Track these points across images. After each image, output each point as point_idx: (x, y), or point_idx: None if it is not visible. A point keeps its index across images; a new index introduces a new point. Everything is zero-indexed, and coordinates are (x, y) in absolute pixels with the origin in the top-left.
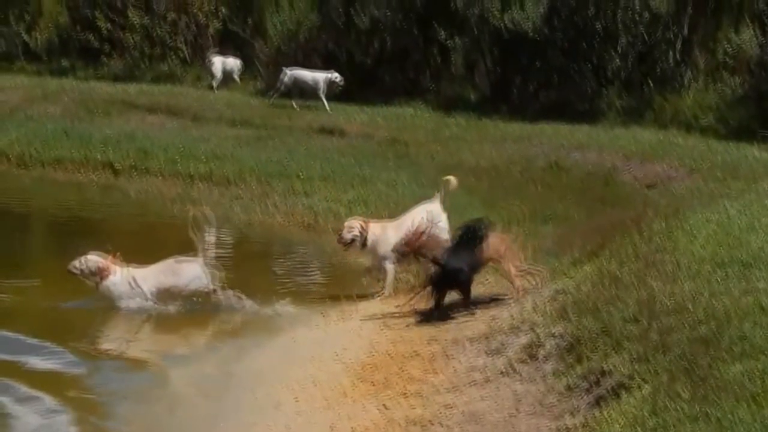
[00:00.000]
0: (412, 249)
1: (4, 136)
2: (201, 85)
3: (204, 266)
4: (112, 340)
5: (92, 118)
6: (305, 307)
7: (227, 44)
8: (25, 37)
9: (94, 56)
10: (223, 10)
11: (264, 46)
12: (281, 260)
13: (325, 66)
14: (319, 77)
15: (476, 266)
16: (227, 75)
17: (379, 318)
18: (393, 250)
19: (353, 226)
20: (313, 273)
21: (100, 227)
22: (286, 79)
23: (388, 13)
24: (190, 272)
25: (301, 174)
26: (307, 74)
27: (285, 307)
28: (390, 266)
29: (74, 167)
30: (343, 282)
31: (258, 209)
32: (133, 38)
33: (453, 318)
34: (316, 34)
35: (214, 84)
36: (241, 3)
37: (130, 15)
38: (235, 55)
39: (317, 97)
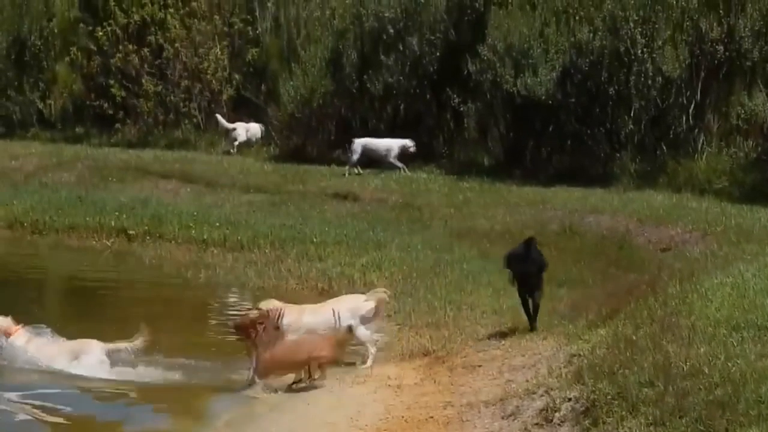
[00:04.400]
0: (239, 332)
1: (20, 203)
2: (214, 151)
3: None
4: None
5: (106, 184)
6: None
7: (241, 110)
8: (40, 104)
9: (108, 123)
10: (237, 77)
11: (277, 112)
12: None
13: (340, 132)
14: (393, 144)
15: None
16: (249, 140)
17: (393, 382)
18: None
19: (262, 308)
20: None
21: (113, 293)
22: (357, 149)
23: (402, 79)
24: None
25: (314, 239)
26: (379, 143)
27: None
28: None
29: (88, 233)
30: (358, 346)
31: (272, 274)
32: (147, 105)
33: (468, 382)
34: (329, 100)
35: (234, 150)
36: (255, 69)
37: (144, 82)
38: (252, 121)
39: (389, 165)
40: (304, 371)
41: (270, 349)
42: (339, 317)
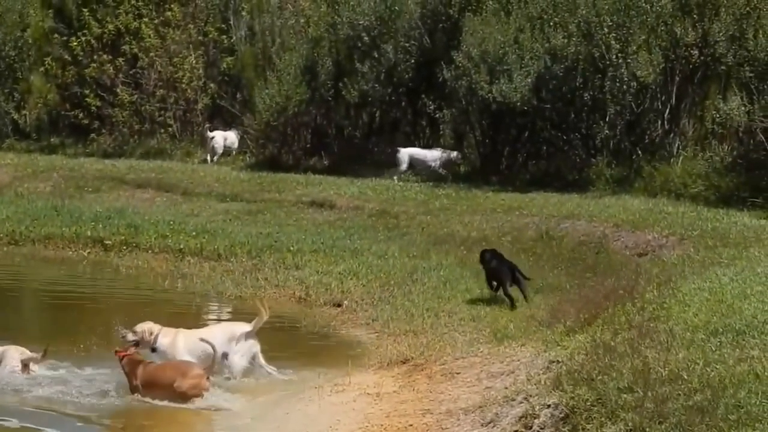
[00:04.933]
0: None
1: None
2: (190, 160)
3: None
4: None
5: (82, 194)
6: (299, 380)
7: (216, 119)
8: (15, 115)
9: (84, 133)
10: (212, 86)
11: (253, 120)
12: (272, 333)
13: (316, 139)
14: (437, 155)
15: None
16: (227, 149)
17: (372, 390)
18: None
19: (137, 330)
20: (305, 345)
21: (90, 303)
22: (405, 159)
23: (377, 86)
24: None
25: (291, 247)
26: (426, 153)
27: (276, 381)
28: None
29: (64, 244)
30: (336, 354)
31: (249, 283)
32: (122, 115)
33: (447, 390)
34: (305, 108)
35: (215, 159)
36: (230, 78)
37: (119, 92)
38: (230, 129)
39: (434, 175)
40: None
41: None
42: (215, 343)
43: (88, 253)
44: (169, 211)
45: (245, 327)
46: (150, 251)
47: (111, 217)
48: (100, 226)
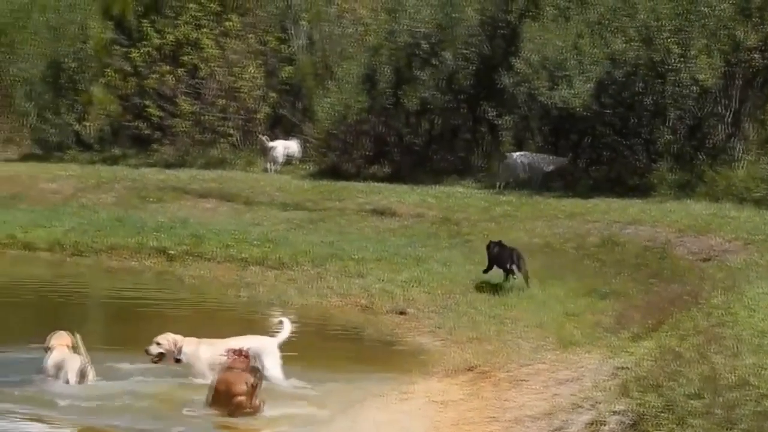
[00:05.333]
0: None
1: (59, 225)
2: (252, 169)
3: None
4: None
5: (145, 205)
6: (365, 388)
7: (276, 128)
8: (77, 126)
9: (145, 144)
10: (272, 95)
11: (313, 129)
12: (338, 342)
13: (376, 147)
14: (550, 160)
15: None
16: (288, 158)
17: (438, 398)
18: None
19: (161, 342)
20: (369, 354)
21: (155, 313)
22: (517, 164)
23: (437, 94)
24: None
25: (354, 256)
26: (540, 158)
27: (345, 389)
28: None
29: (128, 254)
30: (401, 362)
31: (313, 291)
32: (183, 125)
33: (514, 397)
34: (365, 116)
35: (276, 168)
36: (290, 87)
37: (179, 102)
38: (292, 138)
39: (540, 182)
40: None
41: None
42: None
43: (152, 263)
44: (231, 220)
45: (268, 340)
46: (214, 261)
47: (174, 227)
48: (164, 236)
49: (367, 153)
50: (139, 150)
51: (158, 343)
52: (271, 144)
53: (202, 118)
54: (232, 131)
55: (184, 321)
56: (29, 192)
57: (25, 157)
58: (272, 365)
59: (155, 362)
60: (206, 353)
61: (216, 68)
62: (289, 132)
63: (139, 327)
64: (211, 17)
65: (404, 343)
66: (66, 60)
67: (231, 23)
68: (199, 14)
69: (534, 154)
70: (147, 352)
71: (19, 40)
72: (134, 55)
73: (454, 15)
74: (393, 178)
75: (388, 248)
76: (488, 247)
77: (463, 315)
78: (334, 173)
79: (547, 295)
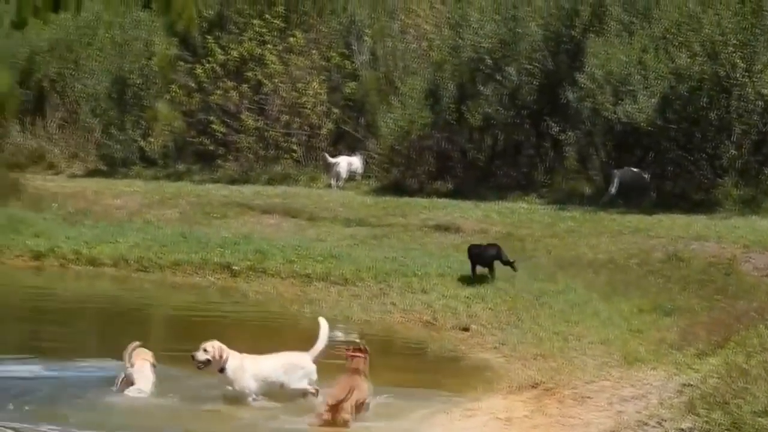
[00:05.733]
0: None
1: (124, 240)
2: (315, 185)
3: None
4: None
5: (209, 221)
6: (429, 405)
7: (340, 144)
8: (141, 142)
9: (209, 160)
10: (336, 111)
11: (377, 144)
12: (401, 358)
13: (440, 163)
14: (646, 177)
15: None
16: (351, 175)
17: (503, 415)
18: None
19: (208, 349)
20: (434, 370)
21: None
22: (618, 181)
23: (500, 109)
24: None
25: (418, 271)
26: (638, 174)
27: (408, 406)
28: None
29: (192, 270)
30: (465, 379)
31: (376, 308)
32: (247, 141)
33: (579, 414)
34: (428, 132)
35: (339, 184)
36: (353, 103)
37: (243, 118)
38: (355, 154)
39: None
40: None
41: None
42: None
43: (216, 278)
44: (295, 236)
45: (304, 356)
46: (277, 276)
47: (238, 243)
48: (228, 251)
49: (431, 169)
50: (203, 166)
51: (205, 350)
52: (333, 160)
53: (265, 134)
54: (295, 147)
55: (248, 336)
56: (94, 208)
57: (91, 173)
58: (299, 379)
59: (200, 368)
60: (250, 368)
61: (280, 84)
62: (352, 148)
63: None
64: (275, 33)
65: (468, 359)
66: (131, 76)
67: (295, 39)
68: (264, 30)
69: (634, 169)
70: (193, 357)
71: (84, 57)
72: (199, 71)
73: (518, 30)
74: (456, 193)
75: (451, 264)
76: (469, 252)
77: (527, 331)
78: (397, 189)
79: (611, 312)
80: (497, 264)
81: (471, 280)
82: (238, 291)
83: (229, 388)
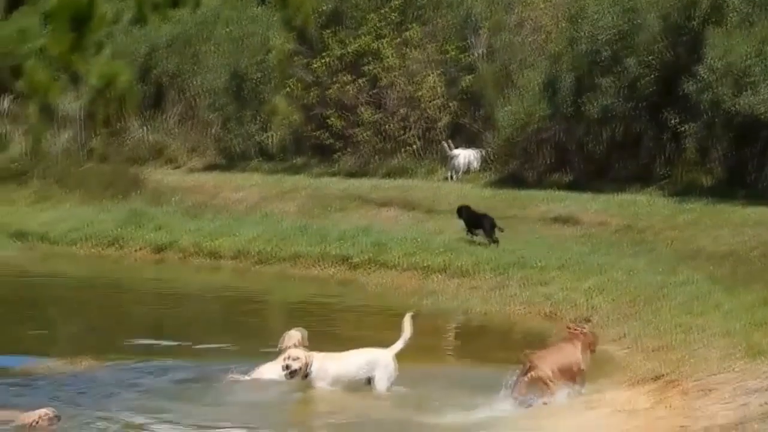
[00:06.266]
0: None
1: (244, 233)
2: (433, 178)
3: None
4: None
5: (327, 214)
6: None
7: (457, 137)
8: (260, 137)
9: (327, 153)
10: (452, 104)
11: (494, 137)
12: (521, 350)
13: (558, 155)
14: None
15: None
16: (468, 167)
17: (626, 407)
18: None
19: (297, 356)
20: None
21: (341, 319)
22: None
23: (618, 101)
24: None
25: (537, 264)
26: None
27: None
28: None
29: (312, 262)
30: (588, 371)
31: (496, 300)
32: (364, 134)
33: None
34: (546, 124)
35: (458, 177)
36: (470, 96)
37: (361, 112)
38: (473, 148)
39: None
40: None
41: None
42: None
43: (335, 271)
44: (413, 228)
45: (385, 352)
46: (396, 269)
47: (356, 236)
48: (346, 244)
49: (548, 161)
50: (320, 159)
51: (296, 358)
52: (452, 152)
53: (383, 127)
54: (412, 140)
55: (369, 328)
56: (214, 201)
57: (210, 167)
58: (380, 378)
59: (289, 379)
60: (332, 369)
61: (396, 78)
62: (469, 141)
63: (331, 332)
64: (392, 27)
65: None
66: (249, 71)
67: (411, 33)
68: (380, 24)
69: None
70: (286, 368)
71: (203, 52)
72: (316, 65)
73: (636, 21)
74: (574, 186)
75: (570, 256)
76: (459, 213)
77: (648, 323)
78: (515, 181)
79: (733, 304)
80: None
81: (590, 272)
82: (357, 283)
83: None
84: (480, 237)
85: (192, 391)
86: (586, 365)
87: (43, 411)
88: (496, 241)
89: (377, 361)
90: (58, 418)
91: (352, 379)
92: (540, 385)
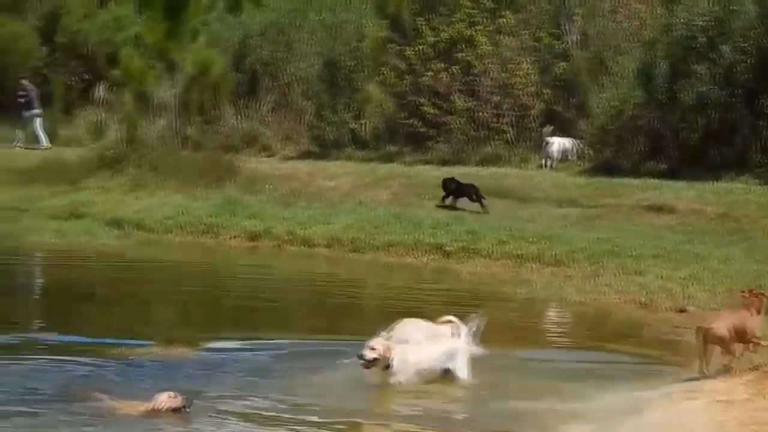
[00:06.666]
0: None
1: (337, 221)
2: (526, 166)
3: None
4: None
5: (421, 202)
6: (649, 387)
7: (551, 125)
8: (353, 124)
9: (420, 141)
10: (546, 91)
11: (588, 125)
12: (617, 340)
13: (652, 143)
14: None
15: None
16: (563, 156)
17: (723, 398)
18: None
19: (375, 347)
20: (652, 352)
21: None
22: None
23: (714, 88)
24: None
25: (632, 252)
26: None
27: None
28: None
29: (405, 251)
30: (685, 361)
31: (590, 289)
32: (457, 122)
33: None
34: (640, 112)
35: (552, 165)
36: (564, 83)
37: (454, 99)
38: (568, 136)
39: None
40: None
41: None
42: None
43: (429, 259)
44: (506, 217)
45: (461, 341)
46: (489, 257)
47: (450, 224)
48: (440, 232)
49: (643, 149)
50: (414, 147)
51: (373, 348)
52: (549, 139)
53: (476, 115)
54: (506, 128)
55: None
56: (308, 189)
57: (303, 155)
58: (461, 367)
59: (367, 368)
60: (413, 360)
61: (490, 65)
62: (563, 129)
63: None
64: (486, 14)
65: (686, 341)
66: (342, 58)
67: (505, 20)
68: (474, 11)
69: None
70: (361, 356)
71: (296, 40)
72: (409, 53)
73: (732, 7)
74: (669, 173)
75: (666, 245)
76: (445, 185)
77: None
78: (609, 169)
79: None
80: None
81: (686, 261)
82: (451, 271)
83: (393, 380)
84: (462, 204)
85: (299, 374)
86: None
87: (165, 396)
88: (484, 206)
89: (456, 351)
90: (188, 401)
91: (433, 370)
92: (718, 344)
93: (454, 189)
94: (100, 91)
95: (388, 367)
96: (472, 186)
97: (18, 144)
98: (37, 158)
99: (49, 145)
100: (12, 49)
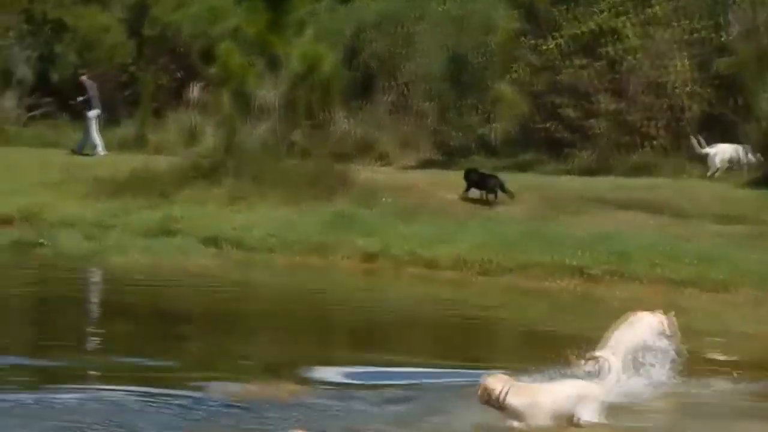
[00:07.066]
0: None
1: (464, 240)
2: (682, 176)
3: None
4: None
5: (560, 217)
6: None
7: (712, 129)
8: (482, 129)
9: (559, 148)
10: (705, 91)
11: (755, 129)
12: None
13: None
14: None
15: None
16: (731, 165)
17: None
18: None
19: (494, 386)
20: None
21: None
22: None
23: None
24: None
25: None
26: None
27: None
28: None
29: (543, 273)
30: None
31: (756, 318)
32: (602, 126)
33: None
34: None
35: (714, 175)
36: (725, 81)
37: (598, 100)
38: (736, 143)
39: None
40: None
41: None
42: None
43: (570, 284)
44: (658, 235)
45: (592, 387)
46: (639, 281)
47: (594, 243)
48: (583, 253)
49: None
50: (552, 155)
51: (495, 384)
52: (705, 150)
53: (623, 117)
54: (658, 133)
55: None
56: (430, 202)
57: (425, 164)
58: (588, 413)
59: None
60: (546, 402)
61: (640, 61)
62: (724, 133)
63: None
64: (634, 3)
65: None
66: (469, 54)
67: (656, 9)
68: (620, 0)
69: None
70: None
71: (416, 32)
72: (546, 47)
73: None
74: None
75: None
76: (467, 175)
77: None
78: None
79: None
80: None
81: None
82: (596, 298)
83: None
84: (486, 195)
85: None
86: None
87: None
88: (510, 194)
89: (584, 396)
90: None
91: (563, 413)
92: None
93: (475, 181)
94: (193, 91)
95: (503, 408)
96: (494, 177)
97: (100, 150)
98: (125, 168)
99: (106, 152)
100: (98, 44)
